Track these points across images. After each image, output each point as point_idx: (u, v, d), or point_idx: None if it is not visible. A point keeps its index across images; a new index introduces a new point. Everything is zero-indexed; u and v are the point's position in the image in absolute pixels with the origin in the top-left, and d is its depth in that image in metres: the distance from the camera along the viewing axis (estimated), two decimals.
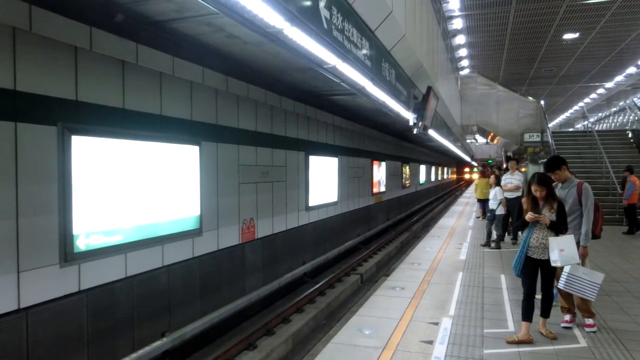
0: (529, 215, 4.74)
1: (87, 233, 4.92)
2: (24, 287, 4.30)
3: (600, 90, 33.60)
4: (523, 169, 20.18)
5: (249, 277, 8.30)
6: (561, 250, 4.65)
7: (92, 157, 5.01)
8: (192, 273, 6.73)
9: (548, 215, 4.77)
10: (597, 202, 5.42)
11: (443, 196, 40.80)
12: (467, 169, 78.75)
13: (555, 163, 5.56)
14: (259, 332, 6.75)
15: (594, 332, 5.10)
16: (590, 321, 5.19)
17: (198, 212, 6.79)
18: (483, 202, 14.76)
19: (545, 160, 5.90)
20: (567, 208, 5.32)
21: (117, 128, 5.35)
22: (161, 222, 6.05)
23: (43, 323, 4.49)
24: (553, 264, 4.71)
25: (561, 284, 4.96)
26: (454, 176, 65.78)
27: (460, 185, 63.81)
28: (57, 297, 4.62)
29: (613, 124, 29.93)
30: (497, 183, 10.91)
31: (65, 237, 4.68)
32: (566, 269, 4.85)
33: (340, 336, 5.13)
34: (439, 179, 42.73)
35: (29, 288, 4.34)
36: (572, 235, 4.78)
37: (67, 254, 4.70)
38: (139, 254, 5.68)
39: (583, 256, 5.21)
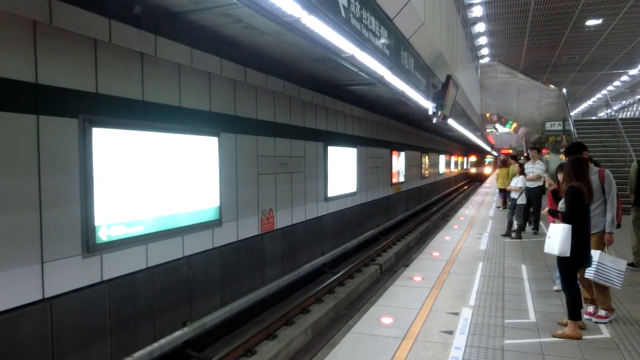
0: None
1: (108, 224, 4.98)
2: (48, 277, 4.37)
3: (624, 78, 32.87)
4: (546, 156, 19.96)
5: (268, 268, 8.34)
6: (548, 237, 4.72)
7: (113, 149, 5.05)
8: (212, 263, 6.78)
9: (560, 204, 4.83)
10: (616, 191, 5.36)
11: (463, 186, 40.42)
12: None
13: (576, 148, 5.50)
14: (278, 322, 6.79)
15: (604, 323, 4.99)
16: (602, 313, 5.08)
17: (217, 203, 6.82)
18: (504, 191, 14.60)
19: (566, 146, 5.82)
20: None
21: (137, 120, 5.39)
22: (181, 213, 6.10)
23: (67, 313, 4.56)
24: None
25: (590, 274, 4.88)
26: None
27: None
28: (80, 287, 4.70)
29: (637, 112, 29.29)
30: (522, 172, 10.77)
31: (87, 228, 4.74)
32: (595, 258, 4.80)
33: (360, 326, 5.13)
34: (459, 169, 42.27)
35: (52, 278, 4.41)
36: (565, 226, 4.59)
37: (90, 245, 4.76)
38: (160, 244, 5.73)
39: (608, 243, 5.22)
